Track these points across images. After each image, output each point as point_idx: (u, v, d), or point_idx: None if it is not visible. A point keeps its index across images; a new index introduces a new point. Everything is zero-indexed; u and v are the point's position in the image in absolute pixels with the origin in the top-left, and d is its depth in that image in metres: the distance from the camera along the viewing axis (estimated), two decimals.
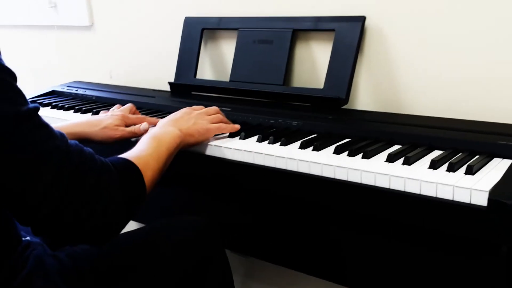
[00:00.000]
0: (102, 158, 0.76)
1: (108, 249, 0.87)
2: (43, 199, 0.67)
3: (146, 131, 1.08)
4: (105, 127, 1.07)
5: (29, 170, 0.66)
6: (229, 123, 1.10)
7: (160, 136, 0.92)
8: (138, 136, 1.09)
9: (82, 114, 1.34)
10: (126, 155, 0.82)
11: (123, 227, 0.77)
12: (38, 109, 0.70)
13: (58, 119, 1.32)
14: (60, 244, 0.90)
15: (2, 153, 0.65)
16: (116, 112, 1.15)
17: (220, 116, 1.09)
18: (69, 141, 0.73)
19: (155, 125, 1.16)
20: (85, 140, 1.07)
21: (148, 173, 0.81)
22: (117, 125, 1.08)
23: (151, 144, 0.88)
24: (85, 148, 0.75)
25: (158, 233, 0.96)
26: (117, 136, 1.08)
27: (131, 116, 1.14)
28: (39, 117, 0.70)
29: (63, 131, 0.72)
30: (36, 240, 0.84)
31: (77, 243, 0.83)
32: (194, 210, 1.33)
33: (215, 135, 1.07)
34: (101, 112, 1.21)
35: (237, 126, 1.08)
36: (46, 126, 0.71)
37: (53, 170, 0.68)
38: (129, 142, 1.10)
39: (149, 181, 0.81)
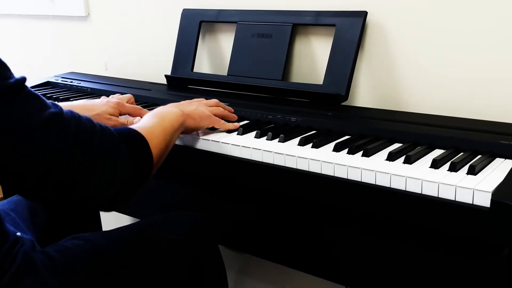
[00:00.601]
0: (101, 124, 0.75)
1: (102, 245, 0.85)
2: (47, 173, 0.66)
3: None
4: (98, 114, 1.05)
5: (28, 143, 0.64)
6: (231, 111, 1.09)
7: (163, 113, 0.91)
8: None
9: None
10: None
11: (133, 192, 0.76)
12: (25, 79, 0.68)
13: None
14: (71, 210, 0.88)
15: None
16: (113, 99, 1.13)
17: (221, 108, 1.08)
18: (63, 109, 0.71)
19: None
20: None
21: (154, 141, 0.80)
22: (110, 114, 1.06)
23: (154, 119, 0.88)
24: (82, 115, 0.73)
25: (154, 229, 0.94)
26: (109, 125, 1.06)
27: (127, 105, 1.12)
28: (28, 88, 0.68)
29: None
30: (26, 237, 0.81)
31: (88, 209, 0.82)
32: (190, 206, 1.32)
33: (214, 129, 1.05)
34: (102, 97, 1.18)
35: (237, 125, 1.07)
36: (37, 96, 0.69)
37: (53, 141, 0.66)
38: None
39: (155, 149, 0.80)
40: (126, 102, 1.15)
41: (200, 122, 0.99)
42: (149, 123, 0.85)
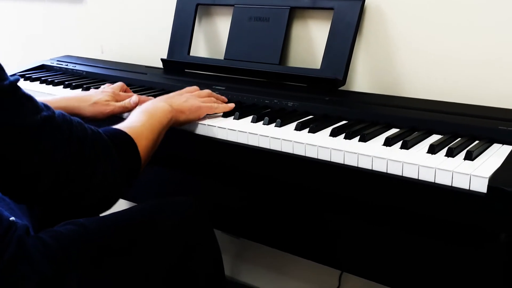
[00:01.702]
0: (91, 127, 0.75)
1: (95, 230, 0.85)
2: (40, 176, 0.66)
3: (136, 104, 1.08)
4: (95, 102, 1.06)
5: (21, 146, 0.64)
6: (224, 100, 1.08)
7: (151, 110, 0.91)
8: (129, 110, 1.08)
9: (71, 90, 1.31)
10: (117, 126, 0.82)
11: (121, 193, 0.77)
12: (18, 80, 0.67)
13: (47, 94, 1.29)
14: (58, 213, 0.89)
15: None
16: (107, 89, 1.13)
17: (213, 98, 1.07)
18: (55, 111, 0.71)
19: None
20: (75, 115, 1.04)
21: (142, 142, 0.81)
22: (107, 101, 1.07)
23: (142, 116, 0.88)
24: (72, 117, 0.73)
25: (148, 215, 0.94)
26: (108, 111, 1.06)
27: (121, 93, 1.13)
28: (21, 90, 0.68)
29: (52, 105, 0.70)
30: (20, 221, 0.81)
31: (77, 212, 0.83)
32: (186, 191, 1.32)
33: (208, 115, 1.04)
34: (91, 89, 1.18)
35: (230, 105, 1.05)
36: (30, 98, 0.68)
37: (45, 144, 0.66)
38: (121, 119, 1.08)
39: (144, 150, 0.81)
40: (120, 90, 1.16)
41: (189, 115, 0.99)
42: (138, 122, 0.85)
